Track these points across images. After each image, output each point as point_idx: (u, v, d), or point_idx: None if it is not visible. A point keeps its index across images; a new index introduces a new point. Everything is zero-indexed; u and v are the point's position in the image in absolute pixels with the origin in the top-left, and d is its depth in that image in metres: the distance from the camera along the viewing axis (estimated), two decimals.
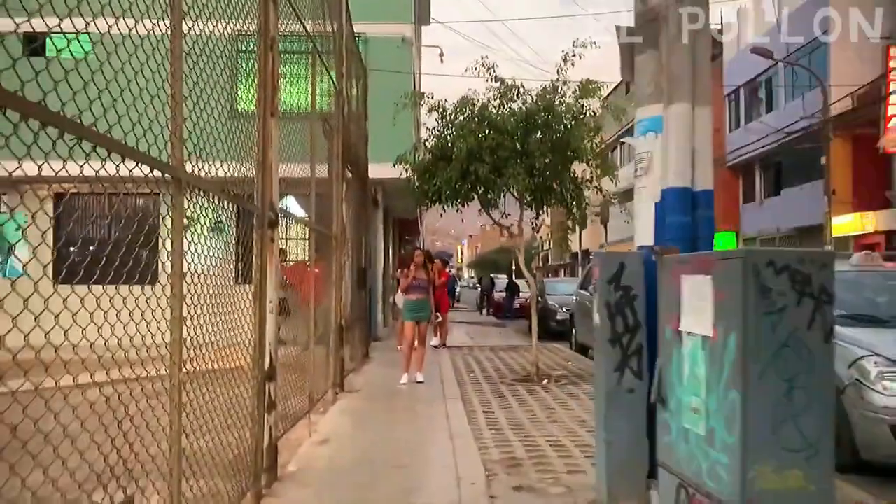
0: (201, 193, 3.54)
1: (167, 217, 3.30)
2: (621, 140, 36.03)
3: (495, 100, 10.31)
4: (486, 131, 10.07)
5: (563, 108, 10.01)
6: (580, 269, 38.57)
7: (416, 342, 10.22)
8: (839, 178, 23.14)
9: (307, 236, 7.87)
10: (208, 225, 4.07)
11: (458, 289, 42.75)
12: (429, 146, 10.86)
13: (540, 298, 14.47)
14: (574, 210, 10.86)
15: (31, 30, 2.29)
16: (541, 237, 52.26)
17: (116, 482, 2.83)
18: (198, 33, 3.64)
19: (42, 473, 2.28)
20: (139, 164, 2.85)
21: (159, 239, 3.51)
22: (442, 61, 21.96)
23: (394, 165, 11.10)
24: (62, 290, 2.59)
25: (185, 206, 3.43)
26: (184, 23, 3.28)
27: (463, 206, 11.05)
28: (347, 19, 10.26)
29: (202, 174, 3.68)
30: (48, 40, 2.44)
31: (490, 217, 11.31)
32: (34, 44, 2.49)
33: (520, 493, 5.13)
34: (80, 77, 2.49)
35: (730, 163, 30.20)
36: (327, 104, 8.94)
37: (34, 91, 2.16)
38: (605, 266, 4.31)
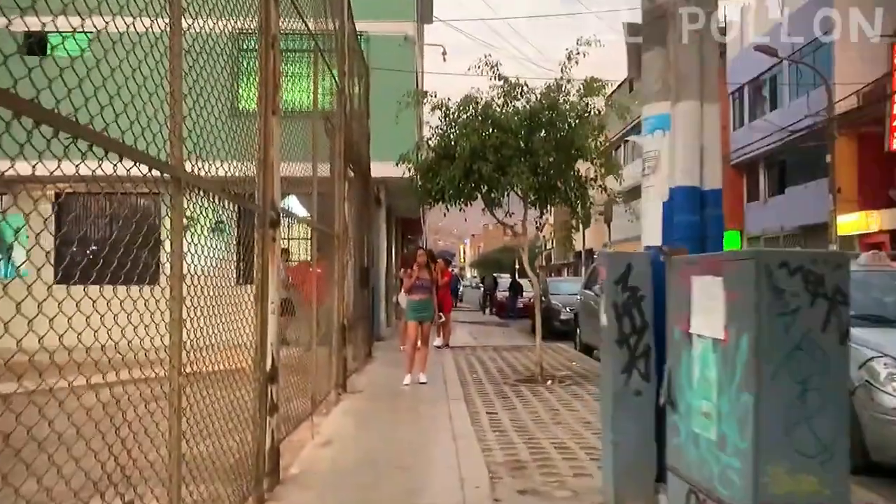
0: (201, 193, 3.47)
1: (167, 217, 3.24)
2: (626, 139, 35.97)
3: (499, 98, 10.24)
4: (490, 130, 10.00)
5: (568, 107, 9.94)
6: (583, 269, 38.52)
7: (419, 342, 10.16)
8: (844, 176, 23.03)
9: (309, 236, 7.81)
10: (209, 225, 4.02)
11: (460, 288, 42.67)
12: (432, 145, 10.79)
13: (543, 298, 14.40)
14: (578, 209, 10.79)
15: (26, 28, 2.24)
16: (544, 237, 52.17)
17: (114, 489, 2.77)
18: (197, 30, 3.58)
19: (36, 482, 2.21)
20: (137, 164, 2.78)
21: (160, 239, 3.45)
22: (445, 59, 21.89)
23: (396, 164, 11.03)
24: (60, 292, 2.54)
25: (186, 207, 3.37)
26: (183, 19, 3.22)
27: (466, 205, 10.98)
28: (349, 17, 10.19)
29: (202, 174, 3.62)
30: (45, 37, 2.38)
31: (494, 216, 11.24)
32: (30, 39, 2.44)
33: (524, 496, 5.07)
34: (75, 74, 2.42)
35: (734, 161, 30.10)
36: (329, 103, 8.88)
37: (27, 88, 2.10)
38: (612, 266, 4.24)
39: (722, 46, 28.30)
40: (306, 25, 6.98)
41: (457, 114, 10.43)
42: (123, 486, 2.88)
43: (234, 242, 5.31)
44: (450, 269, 19.41)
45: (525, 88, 10.19)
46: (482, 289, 37.34)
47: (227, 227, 4.61)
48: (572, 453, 6.25)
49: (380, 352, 14.18)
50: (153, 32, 3.08)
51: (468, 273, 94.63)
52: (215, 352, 4.13)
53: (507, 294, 29.72)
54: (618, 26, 10.22)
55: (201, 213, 3.82)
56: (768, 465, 2.84)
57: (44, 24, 2.29)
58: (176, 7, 3.16)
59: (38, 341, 2.26)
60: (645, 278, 4.20)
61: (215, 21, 3.87)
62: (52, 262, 2.57)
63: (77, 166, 2.48)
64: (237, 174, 4.65)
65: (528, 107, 10.07)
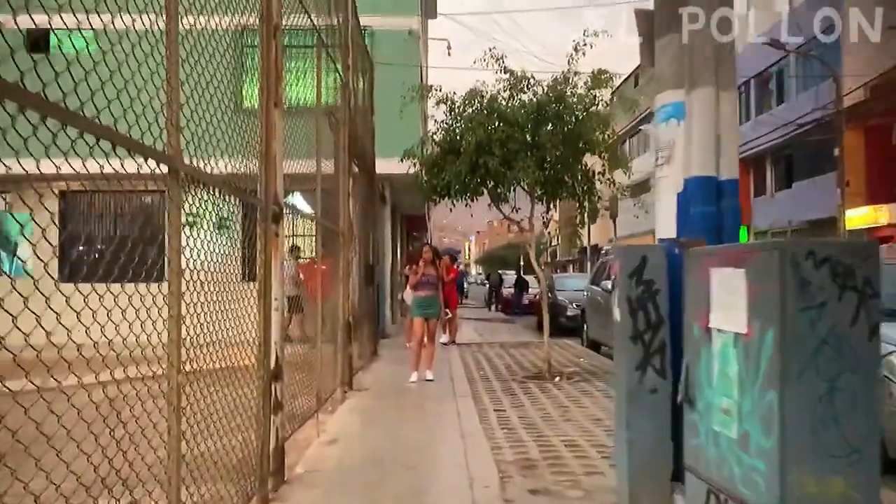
0: (201, 186, 3.35)
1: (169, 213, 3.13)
2: (632, 133, 35.77)
3: (505, 91, 10.10)
4: (496, 123, 9.87)
5: (575, 99, 9.79)
6: (589, 265, 38.35)
7: (425, 339, 10.04)
8: (852, 170, 22.82)
9: (314, 233, 7.70)
10: (213, 220, 3.91)
11: (466, 285, 42.55)
12: (437, 140, 10.66)
13: (549, 294, 14.26)
14: (585, 203, 10.65)
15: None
16: (549, 233, 52.03)
17: (109, 492, 2.65)
18: (196, 15, 3.46)
19: (23, 488, 2.10)
20: (132, 153, 2.66)
21: (165, 236, 3.34)
22: (449, 54, 21.73)
23: (401, 160, 10.91)
24: (65, 289, 2.45)
25: (188, 202, 3.26)
26: (180, 4, 3.09)
27: (472, 200, 10.85)
28: (353, 11, 10.06)
29: (204, 168, 3.50)
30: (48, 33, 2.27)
31: (500, 211, 11.10)
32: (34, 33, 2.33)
33: (536, 496, 4.94)
34: (63, 58, 2.30)
35: (740, 156, 29.79)
36: (333, 97, 8.76)
37: (10, 71, 1.98)
38: (626, 259, 4.11)
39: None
40: (309, 17, 6.85)
41: (462, 108, 10.30)
42: (125, 486, 2.77)
43: (239, 239, 5.23)
44: (455, 266, 19.27)
45: (532, 81, 10.04)
46: (488, 286, 37.24)
47: (231, 223, 4.51)
48: (583, 451, 6.12)
49: (385, 349, 14.07)
50: (149, 16, 2.96)
51: (473, 270, 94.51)
52: (218, 349, 4.03)
53: (512, 291, 29.59)
54: (623, 19, 10.10)
55: (205, 208, 3.72)
56: (794, 466, 2.70)
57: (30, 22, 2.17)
58: None
59: (47, 337, 2.17)
60: (660, 272, 4.06)
61: (215, 5, 3.74)
62: (58, 259, 2.47)
63: (85, 160, 2.37)
64: (239, 168, 4.55)
65: (534, 100, 9.93)
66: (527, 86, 10.05)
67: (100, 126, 2.44)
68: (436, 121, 10.78)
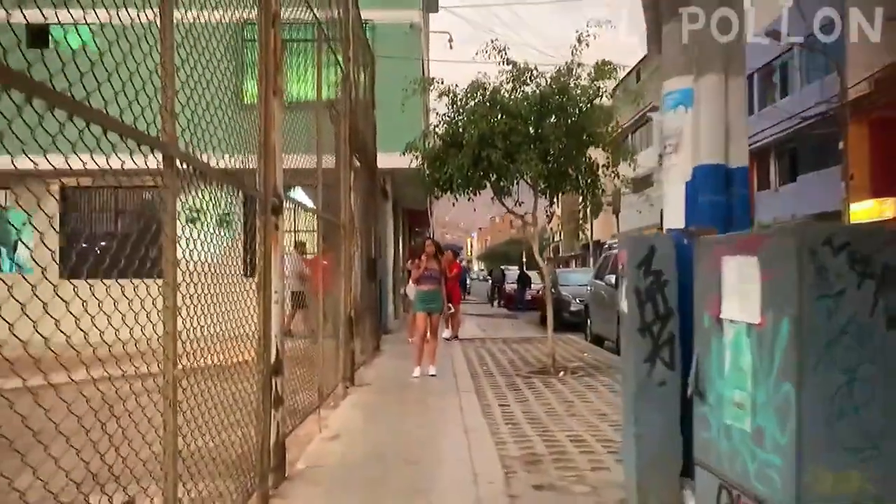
0: (197, 174, 3.25)
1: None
2: (635, 128, 35.66)
3: (507, 83, 9.99)
4: (499, 116, 9.76)
5: (579, 91, 9.68)
6: (591, 260, 38.26)
7: (428, 334, 9.94)
8: (857, 163, 22.66)
9: (315, 226, 7.61)
10: (214, 215, 3.84)
11: (469, 281, 42.45)
12: (439, 133, 10.55)
13: (553, 290, 14.17)
14: (589, 197, 10.54)
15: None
16: (552, 228, 51.91)
17: (101, 489, 2.57)
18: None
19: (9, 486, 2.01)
20: (124, 138, 2.57)
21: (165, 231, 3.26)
22: (451, 47, 21.60)
23: (403, 154, 10.80)
24: (65, 286, 2.39)
25: (188, 196, 3.19)
26: None
27: (475, 194, 10.75)
28: (354, 1, 9.96)
29: (202, 159, 3.41)
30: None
31: (503, 205, 10.99)
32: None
33: (541, 492, 4.86)
34: (51, 37, 2.21)
35: None
36: (334, 90, 8.67)
37: None
38: (633, 250, 4.01)
39: None
40: (310, 7, 6.75)
41: (464, 100, 10.19)
42: (123, 482, 2.69)
43: (239, 233, 5.15)
44: (458, 261, 19.18)
45: (535, 73, 9.92)
46: (490, 281, 37.17)
47: (232, 218, 4.44)
48: (589, 446, 6.03)
49: (388, 344, 13.99)
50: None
51: (475, 266, 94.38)
52: (218, 343, 3.95)
53: (515, 286, 29.52)
54: (624, 16, 9.99)
55: (204, 200, 3.65)
56: (811, 461, 2.61)
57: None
58: None
59: (37, 333, 2.10)
60: (669, 262, 3.96)
61: None
62: (58, 256, 2.42)
63: (93, 155, 2.28)
64: (236, 159, 4.47)
65: (537, 92, 9.82)
66: (529, 77, 9.93)
67: (89, 109, 2.35)
68: (438, 114, 10.68)
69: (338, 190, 8.66)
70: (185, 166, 3.15)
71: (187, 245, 3.35)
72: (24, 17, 2.11)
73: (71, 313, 2.38)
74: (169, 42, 2.97)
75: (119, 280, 2.84)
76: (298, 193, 7.38)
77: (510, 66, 10.01)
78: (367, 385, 9.29)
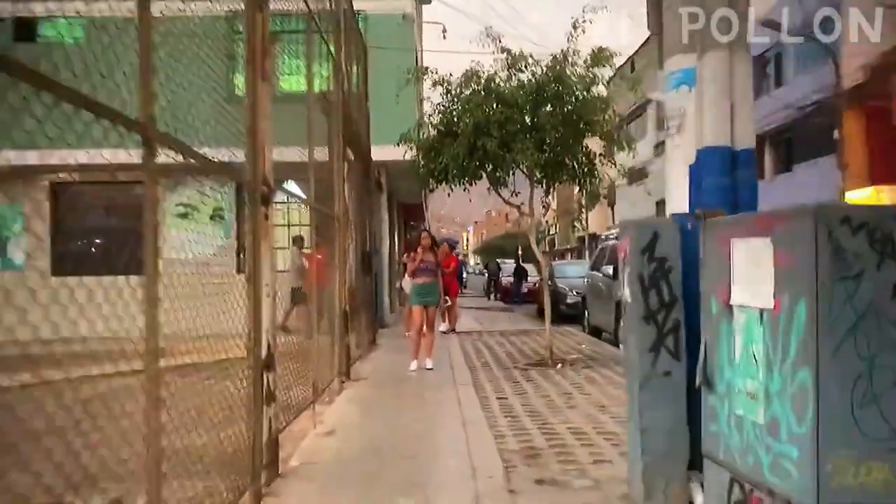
0: (179, 157, 3.09)
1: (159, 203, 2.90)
2: (630, 119, 35.45)
3: (503, 71, 9.82)
4: (494, 105, 9.59)
5: (575, 79, 9.52)
6: (587, 253, 38.09)
7: (424, 327, 9.80)
8: (853, 152, 22.55)
9: (309, 218, 7.45)
10: (201, 208, 3.69)
11: (465, 275, 42.30)
12: (434, 122, 10.38)
13: (549, 282, 14.03)
14: (587, 186, 10.39)
15: None
16: (547, 221, 51.77)
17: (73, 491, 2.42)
18: None
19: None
20: (98, 117, 2.41)
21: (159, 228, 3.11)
22: (444, 37, 21.39)
23: (397, 144, 10.62)
24: (56, 282, 2.24)
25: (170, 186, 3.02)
26: None
27: (470, 184, 10.59)
28: None
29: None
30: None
31: (499, 195, 10.83)
32: None
33: (542, 486, 4.72)
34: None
35: None
36: (326, 79, 8.49)
37: None
38: (637, 235, 3.86)
39: None
40: None
41: (459, 89, 10.02)
42: (94, 487, 2.55)
43: (235, 231, 5.01)
44: (455, 254, 19.03)
45: (530, 60, 9.75)
46: (487, 275, 37.03)
47: (224, 213, 4.30)
48: (589, 439, 5.90)
49: (384, 338, 13.84)
50: None
51: (471, 260, 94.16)
52: (209, 339, 3.81)
53: (511, 279, 29.40)
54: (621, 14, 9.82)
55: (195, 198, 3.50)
56: (831, 452, 2.47)
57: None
58: None
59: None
60: (673, 247, 3.82)
61: None
62: (49, 253, 2.27)
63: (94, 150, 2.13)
64: (226, 149, 4.31)
65: (533, 80, 9.65)
66: (525, 65, 9.76)
67: (60, 85, 2.19)
68: (432, 103, 10.51)
69: (331, 182, 8.50)
70: (172, 154, 3.00)
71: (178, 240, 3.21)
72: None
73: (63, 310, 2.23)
74: (147, 19, 2.81)
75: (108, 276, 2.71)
76: (292, 186, 7.24)
77: (505, 54, 9.84)
78: (363, 379, 9.14)
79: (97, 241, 14.52)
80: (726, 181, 3.93)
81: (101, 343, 2.52)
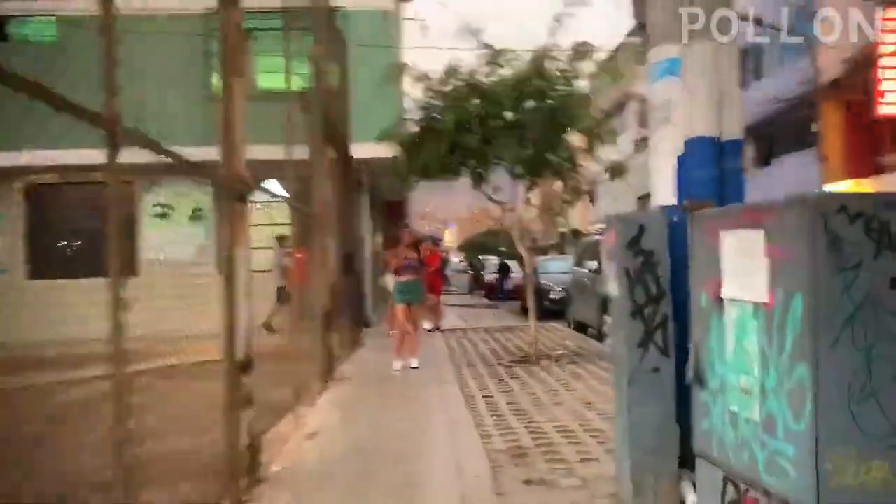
0: (145, 149, 2.95)
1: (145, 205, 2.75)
2: (613, 114, 35.46)
3: (484, 66, 9.69)
4: (476, 100, 9.47)
5: (558, 73, 9.42)
6: (570, 249, 38.10)
7: (408, 326, 9.67)
8: (832, 145, 22.69)
9: (290, 219, 7.31)
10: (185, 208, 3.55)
11: (449, 273, 42.20)
12: (415, 119, 10.24)
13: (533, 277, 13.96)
14: (570, 181, 10.31)
15: None
16: (528, 219, 51.66)
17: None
18: None
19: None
20: (60, 111, 2.28)
21: (135, 230, 2.97)
22: (425, 34, 21.23)
23: (378, 140, 10.47)
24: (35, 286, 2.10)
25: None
26: None
27: (452, 180, 10.46)
28: None
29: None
30: None
31: (482, 192, 10.71)
32: None
33: (530, 486, 4.63)
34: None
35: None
36: (304, 78, 8.36)
37: None
38: (622, 229, 3.77)
39: None
40: None
41: (440, 85, 9.88)
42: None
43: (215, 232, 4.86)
44: (439, 251, 18.92)
45: (512, 53, 9.63)
46: (471, 272, 36.97)
47: (206, 213, 4.17)
48: (576, 437, 5.82)
49: (368, 338, 13.69)
50: None
51: (455, 258, 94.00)
52: (184, 341, 3.67)
53: (495, 276, 29.35)
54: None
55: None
56: (829, 450, 2.38)
57: None
58: None
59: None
60: (660, 240, 3.73)
61: None
62: (27, 257, 2.13)
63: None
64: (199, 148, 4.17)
65: (514, 75, 9.53)
66: (506, 60, 9.63)
67: (21, 78, 2.05)
68: (413, 99, 10.37)
69: (310, 181, 8.35)
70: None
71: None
72: None
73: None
74: (109, 10, 2.67)
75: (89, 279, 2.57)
76: (274, 185, 7.10)
77: (486, 49, 9.71)
78: (346, 380, 9.01)
79: (75, 243, 14.27)
80: (714, 172, 3.85)
81: (69, 347, 2.37)
